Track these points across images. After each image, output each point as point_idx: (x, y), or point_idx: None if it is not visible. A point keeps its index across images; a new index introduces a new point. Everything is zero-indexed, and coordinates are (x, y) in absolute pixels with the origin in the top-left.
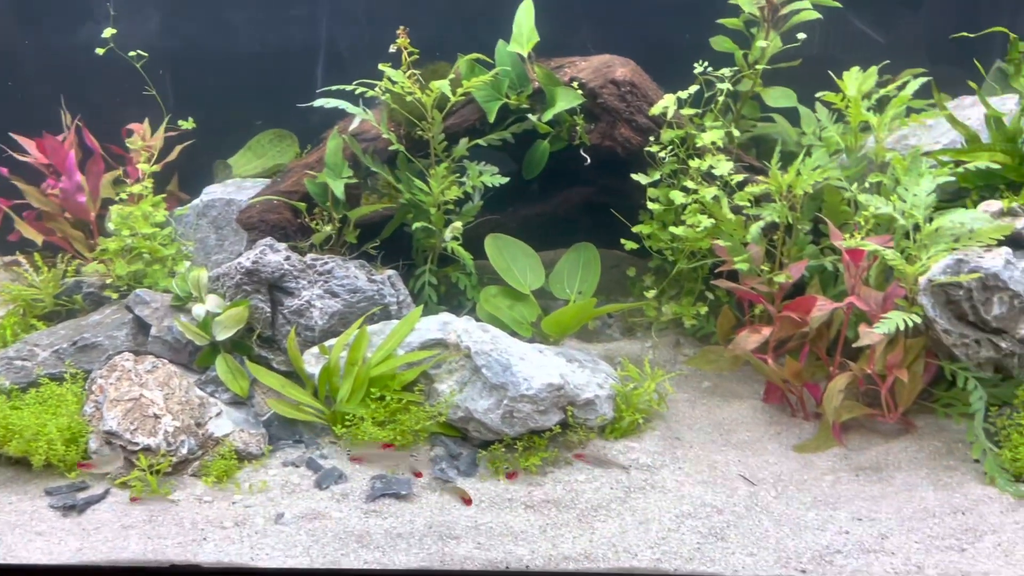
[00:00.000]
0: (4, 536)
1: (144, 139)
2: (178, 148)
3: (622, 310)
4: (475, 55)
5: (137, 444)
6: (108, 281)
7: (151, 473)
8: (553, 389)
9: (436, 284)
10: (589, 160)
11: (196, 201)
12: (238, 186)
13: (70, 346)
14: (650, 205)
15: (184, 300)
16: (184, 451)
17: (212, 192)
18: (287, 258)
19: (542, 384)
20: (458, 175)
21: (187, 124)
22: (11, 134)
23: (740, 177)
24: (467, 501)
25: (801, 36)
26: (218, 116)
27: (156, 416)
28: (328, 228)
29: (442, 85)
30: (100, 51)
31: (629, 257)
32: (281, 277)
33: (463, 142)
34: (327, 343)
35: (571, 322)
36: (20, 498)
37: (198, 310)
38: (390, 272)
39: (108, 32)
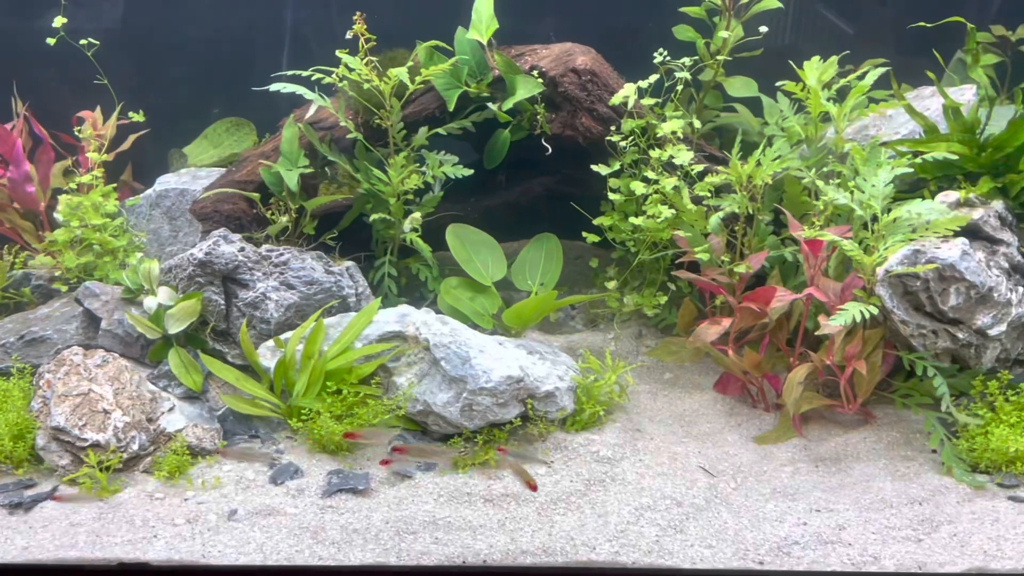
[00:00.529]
0: None
1: (95, 128)
2: (132, 137)
3: (584, 301)
4: (434, 42)
5: (86, 440)
6: (57, 273)
7: (101, 470)
8: (512, 382)
9: (396, 276)
10: (551, 150)
11: (149, 191)
12: (193, 176)
13: (17, 340)
14: (611, 196)
15: (135, 293)
16: (135, 447)
17: (166, 182)
18: (241, 249)
19: (501, 377)
20: (418, 165)
21: (137, 116)
22: None
23: (701, 167)
24: (532, 487)
25: (763, 29)
26: (173, 104)
27: (106, 411)
28: (284, 219)
29: (400, 73)
30: (51, 41)
31: (593, 248)
32: (235, 269)
33: (422, 131)
34: (283, 336)
35: (532, 314)
36: None
37: (149, 303)
38: (348, 263)
39: (59, 21)
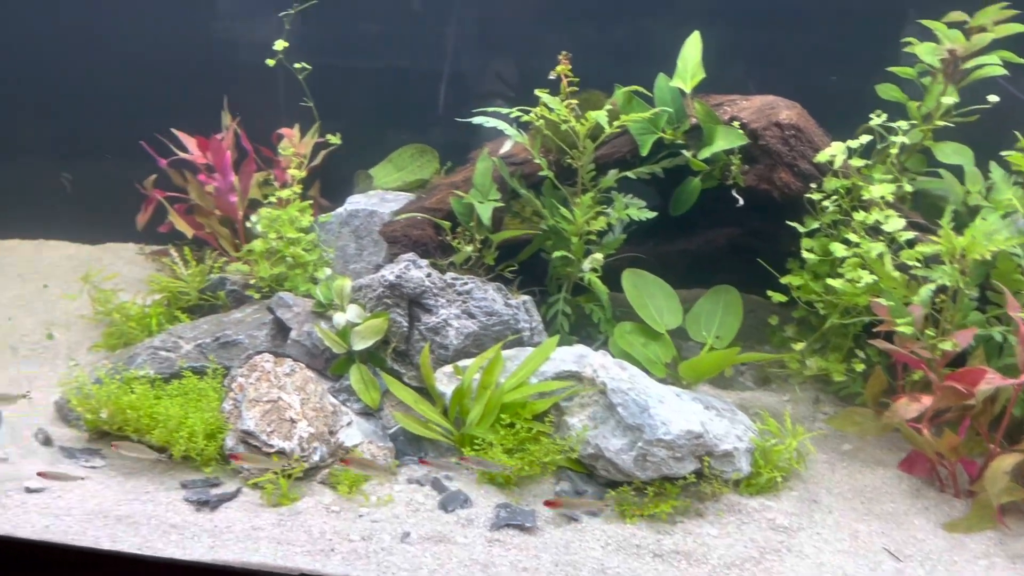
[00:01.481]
0: (140, 526)
1: (294, 145)
2: (322, 154)
3: (763, 360)
4: (633, 87)
5: (272, 447)
6: (252, 281)
7: (284, 477)
8: (692, 437)
9: (568, 313)
10: (742, 202)
11: (340, 210)
12: (381, 198)
13: (212, 341)
14: (804, 255)
15: (326, 307)
16: (316, 458)
17: (355, 202)
18: (428, 275)
19: (681, 430)
20: (603, 206)
21: (334, 139)
22: (173, 130)
23: (910, 235)
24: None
25: (993, 99)
26: (362, 127)
27: (292, 420)
28: (469, 248)
29: (599, 116)
30: (270, 62)
31: (767, 303)
32: (421, 294)
33: (612, 173)
34: (460, 363)
35: (710, 368)
36: (156, 488)
37: (339, 318)
38: (525, 297)
39: (280, 44)
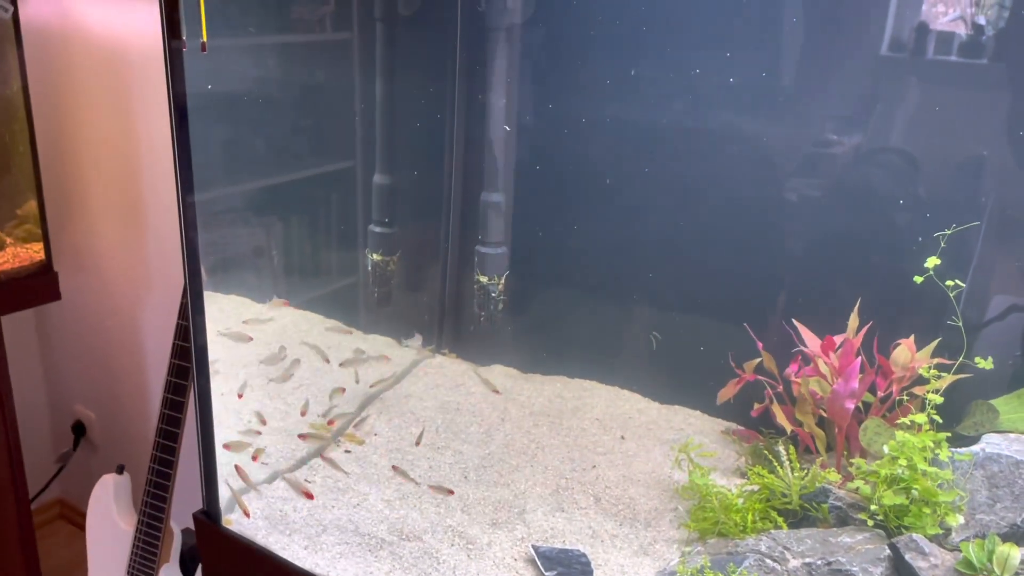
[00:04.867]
0: None
1: (905, 359)
2: (949, 378)
3: None
4: None
5: None
6: (873, 508)
7: None
8: None
9: None
10: None
11: (976, 448)
12: None
13: (822, 564)
14: None
15: (975, 570)
16: None
17: (995, 443)
18: None
19: None
20: None
21: (984, 363)
22: (795, 321)
23: None
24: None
25: None
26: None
27: None
28: None
29: None
30: (918, 279)
31: None
32: None
33: None
34: None
35: None
36: None
37: None
38: None
39: (931, 262)
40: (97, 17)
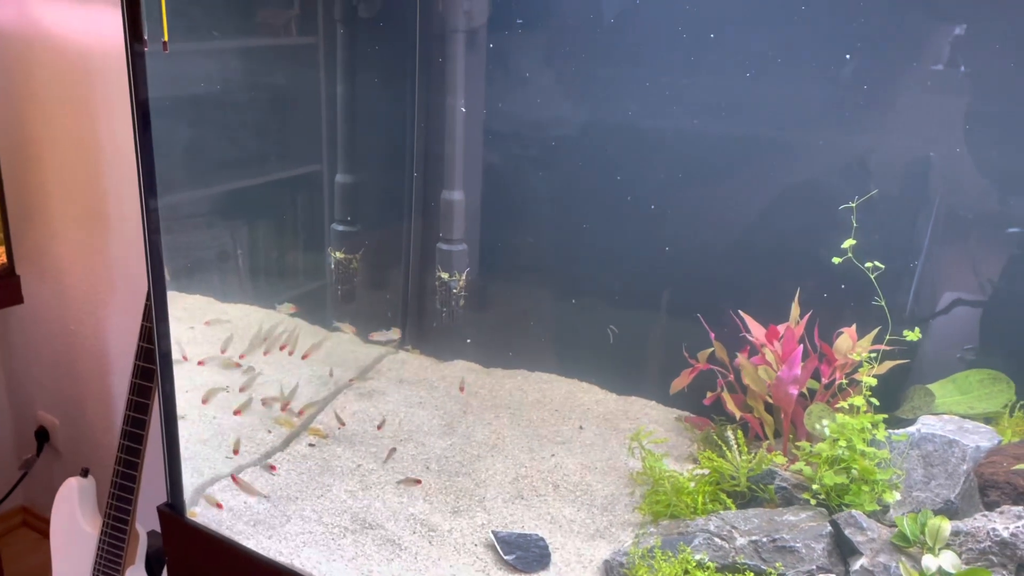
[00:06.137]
0: None
1: (847, 347)
2: (888, 364)
3: None
4: None
5: None
6: (815, 487)
7: None
8: None
9: None
10: None
11: (912, 429)
12: (959, 426)
13: (768, 541)
14: None
15: (909, 543)
16: None
17: (930, 424)
18: None
19: None
20: None
21: (912, 335)
22: (740, 311)
23: None
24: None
25: None
26: (929, 339)
27: None
28: None
29: None
30: (836, 260)
31: None
32: None
33: None
34: None
35: None
36: None
37: (929, 561)
38: None
39: (848, 243)
40: (58, 19)
